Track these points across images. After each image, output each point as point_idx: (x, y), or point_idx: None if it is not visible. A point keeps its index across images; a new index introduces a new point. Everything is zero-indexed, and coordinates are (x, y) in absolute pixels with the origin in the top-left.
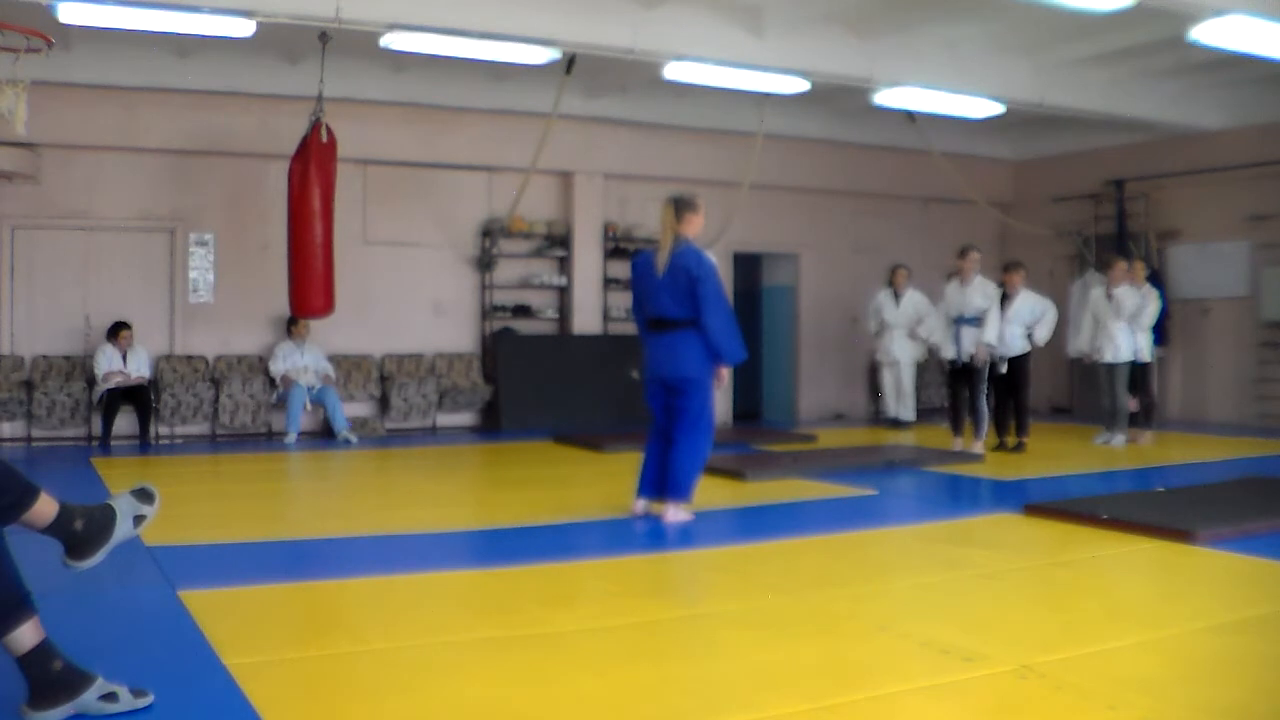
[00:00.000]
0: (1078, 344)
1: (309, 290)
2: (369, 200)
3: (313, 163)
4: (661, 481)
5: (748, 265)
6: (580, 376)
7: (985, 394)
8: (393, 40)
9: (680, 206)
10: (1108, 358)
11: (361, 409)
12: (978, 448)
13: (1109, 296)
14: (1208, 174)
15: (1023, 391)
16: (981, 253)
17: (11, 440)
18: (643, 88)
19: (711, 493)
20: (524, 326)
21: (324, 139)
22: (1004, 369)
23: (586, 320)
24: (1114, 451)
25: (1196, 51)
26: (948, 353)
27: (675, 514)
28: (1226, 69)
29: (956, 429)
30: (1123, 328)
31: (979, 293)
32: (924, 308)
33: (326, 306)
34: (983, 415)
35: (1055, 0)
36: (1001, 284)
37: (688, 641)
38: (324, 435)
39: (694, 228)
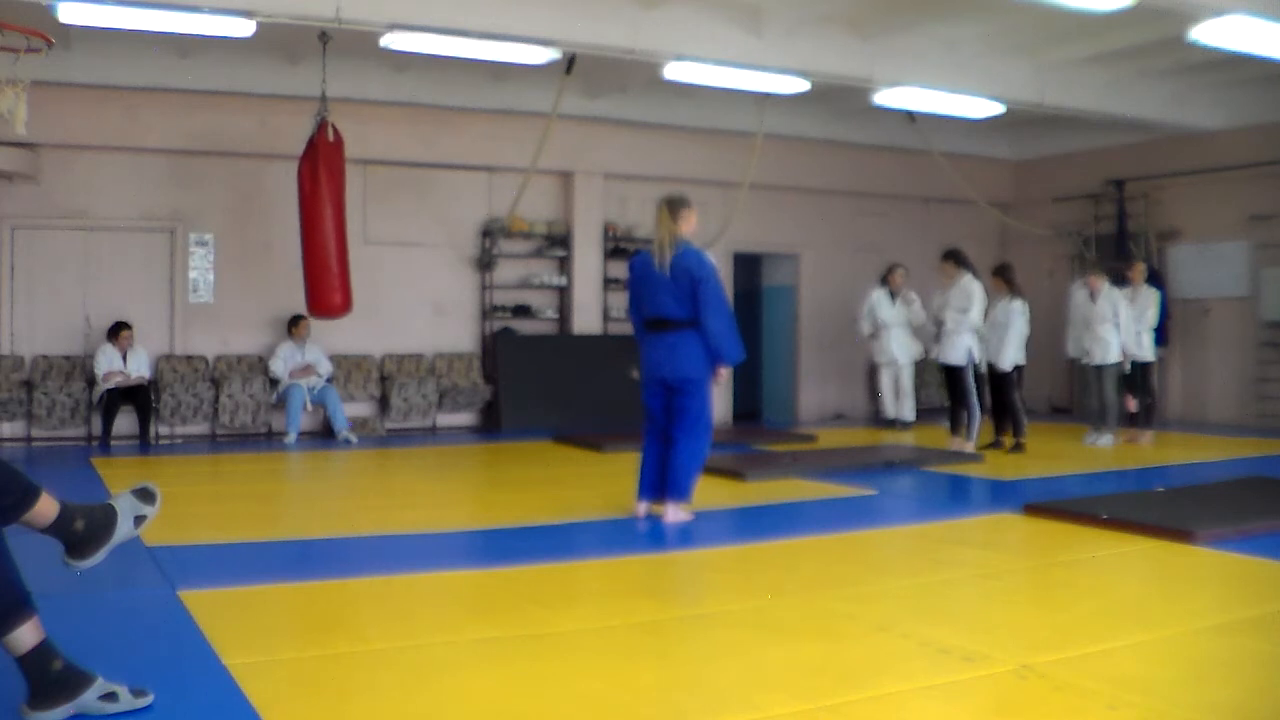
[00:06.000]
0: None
1: (326, 289)
2: (369, 200)
3: (322, 162)
4: (662, 482)
5: (748, 265)
6: (580, 376)
7: (975, 393)
8: (393, 40)
9: (675, 206)
10: (1096, 359)
11: (361, 409)
12: (967, 447)
13: (1093, 299)
14: (1207, 174)
15: (1007, 393)
16: (953, 259)
17: (11, 440)
18: (642, 88)
19: (711, 493)
20: (524, 326)
21: (331, 138)
22: (984, 369)
23: (586, 320)
24: (1114, 452)
25: (1196, 51)
26: (935, 353)
27: (675, 514)
28: (1226, 69)
29: (954, 429)
30: (1109, 329)
31: (961, 295)
32: (917, 308)
33: (345, 304)
34: (974, 414)
35: (1055, 0)
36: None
37: (688, 641)
38: (324, 435)
39: (690, 225)
